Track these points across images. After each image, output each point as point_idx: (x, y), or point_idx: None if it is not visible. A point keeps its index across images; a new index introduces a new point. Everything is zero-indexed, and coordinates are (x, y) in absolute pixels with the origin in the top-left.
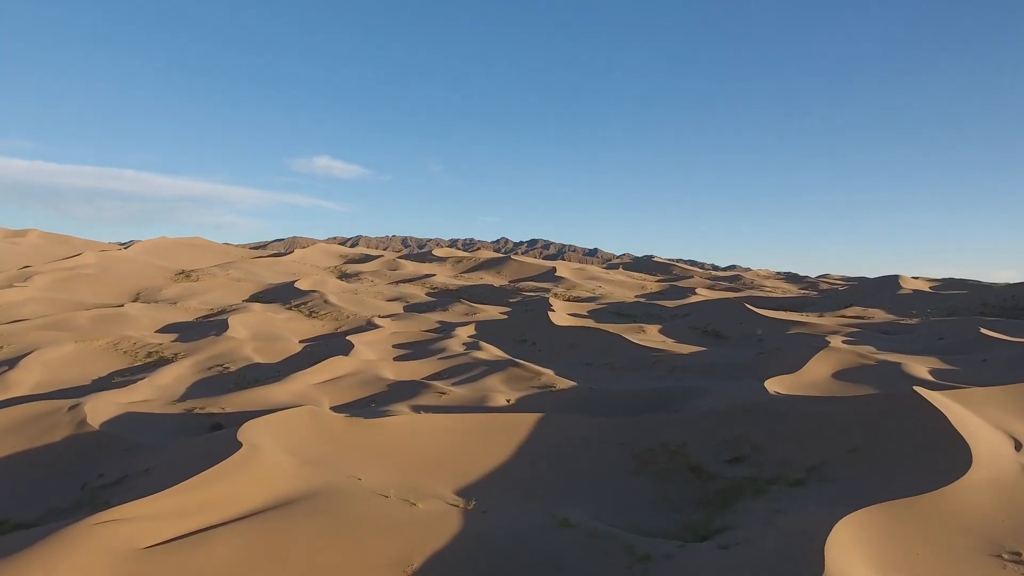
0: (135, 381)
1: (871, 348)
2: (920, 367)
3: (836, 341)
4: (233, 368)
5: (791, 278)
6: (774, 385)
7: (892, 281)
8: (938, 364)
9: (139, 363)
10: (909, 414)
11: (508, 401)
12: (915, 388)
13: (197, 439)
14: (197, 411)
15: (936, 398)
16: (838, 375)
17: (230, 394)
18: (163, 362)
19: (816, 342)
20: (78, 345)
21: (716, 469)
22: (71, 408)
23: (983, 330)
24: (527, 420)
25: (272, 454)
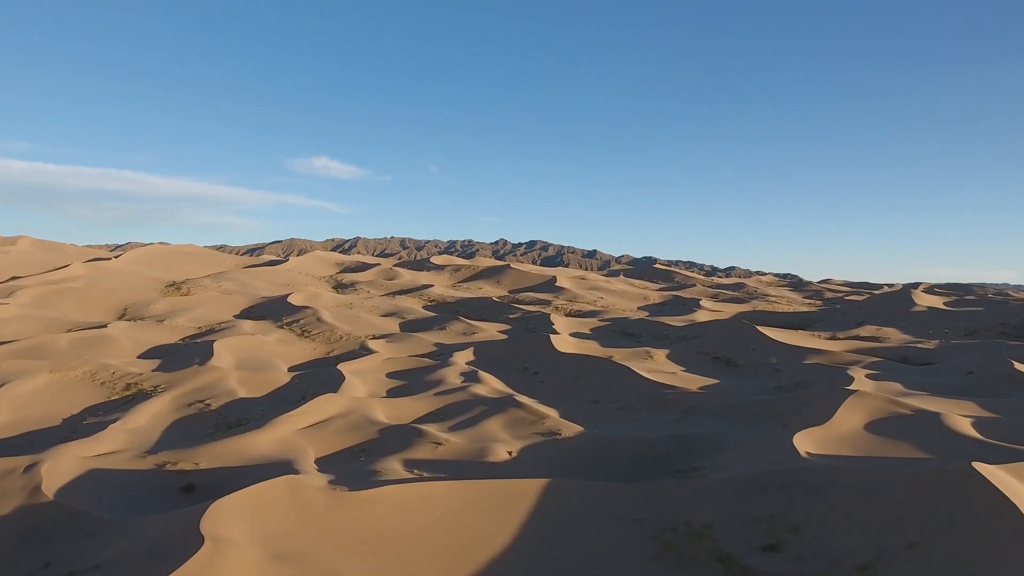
0: (107, 424)
1: (899, 387)
2: (961, 419)
3: (859, 376)
4: (214, 405)
5: (794, 285)
6: (804, 442)
7: (905, 296)
8: (977, 411)
9: (116, 396)
10: (972, 500)
11: (510, 454)
12: (975, 465)
13: (159, 519)
14: (169, 467)
15: (1001, 479)
16: (872, 427)
17: (207, 444)
18: (141, 396)
19: (838, 376)
20: (53, 376)
21: (750, 560)
22: (27, 469)
23: (1017, 365)
24: (531, 488)
25: (239, 552)
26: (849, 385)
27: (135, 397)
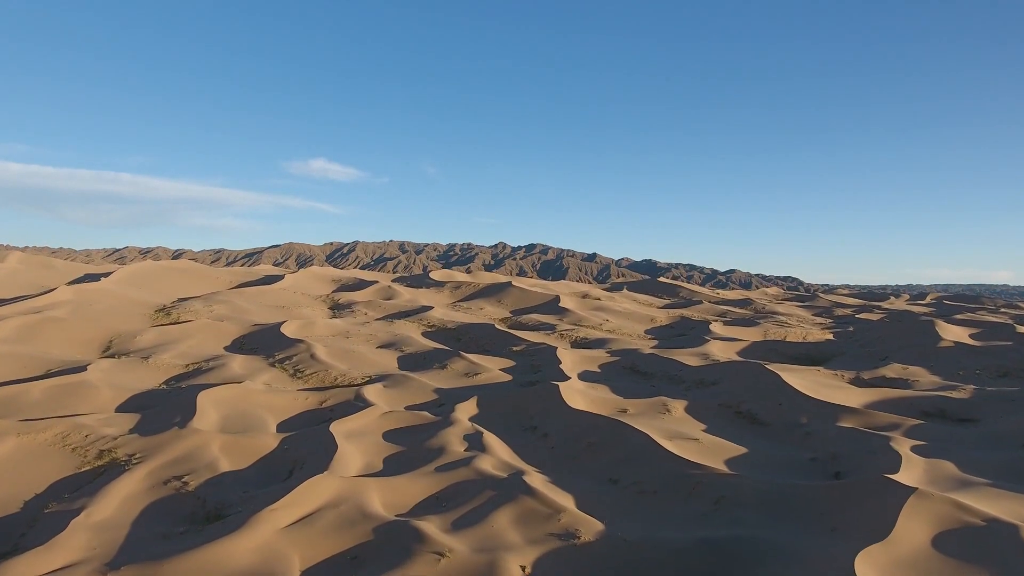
0: (69, 519)
1: (953, 468)
2: None
3: (905, 450)
4: (192, 485)
5: (801, 298)
6: (868, 568)
7: (928, 329)
8: None
9: (87, 467)
10: None
11: (523, 569)
12: None
13: None
14: None
15: None
16: (942, 545)
17: (177, 557)
18: (114, 468)
19: (880, 449)
20: (20, 440)
21: None
22: None
23: None
24: None
25: None
26: (897, 469)
27: (107, 469)
